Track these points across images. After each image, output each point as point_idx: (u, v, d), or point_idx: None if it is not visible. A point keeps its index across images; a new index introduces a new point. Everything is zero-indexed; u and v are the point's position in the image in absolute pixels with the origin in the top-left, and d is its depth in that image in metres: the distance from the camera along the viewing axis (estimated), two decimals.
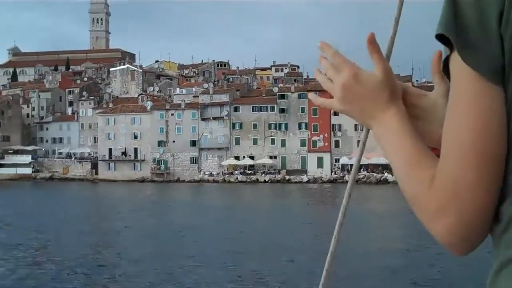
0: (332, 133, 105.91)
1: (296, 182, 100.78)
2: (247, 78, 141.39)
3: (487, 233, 0.75)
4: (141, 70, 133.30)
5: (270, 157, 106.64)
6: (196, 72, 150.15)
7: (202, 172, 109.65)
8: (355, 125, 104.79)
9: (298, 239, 37.04)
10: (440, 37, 0.74)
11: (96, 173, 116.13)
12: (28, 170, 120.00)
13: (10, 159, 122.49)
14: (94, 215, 56.95)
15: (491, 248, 0.75)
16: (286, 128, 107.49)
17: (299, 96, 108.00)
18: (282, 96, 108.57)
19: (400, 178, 0.86)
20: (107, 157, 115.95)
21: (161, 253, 31.60)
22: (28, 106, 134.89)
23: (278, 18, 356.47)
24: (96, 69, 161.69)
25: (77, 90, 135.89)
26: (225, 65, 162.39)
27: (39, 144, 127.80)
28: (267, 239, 36.41)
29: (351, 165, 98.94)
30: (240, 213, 55.17)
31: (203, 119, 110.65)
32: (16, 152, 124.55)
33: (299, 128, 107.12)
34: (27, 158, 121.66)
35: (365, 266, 26.72)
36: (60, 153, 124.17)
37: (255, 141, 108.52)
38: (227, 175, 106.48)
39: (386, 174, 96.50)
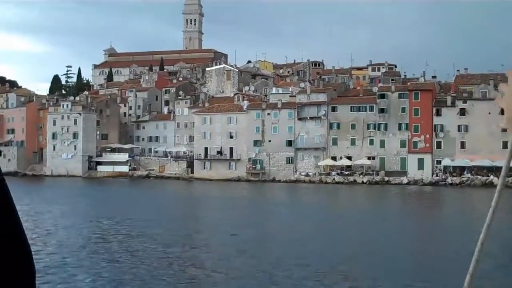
0: (433, 133, 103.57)
1: (395, 184, 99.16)
2: (343, 78, 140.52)
3: None
4: (237, 70, 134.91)
5: (368, 158, 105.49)
6: (291, 71, 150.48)
7: (298, 172, 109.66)
8: (458, 126, 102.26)
9: (402, 243, 36.29)
10: None
11: (192, 172, 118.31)
12: (125, 168, 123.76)
13: (108, 157, 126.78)
14: (193, 213, 58.03)
15: None
16: (386, 128, 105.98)
17: (400, 96, 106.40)
18: (382, 96, 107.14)
19: None
20: (202, 156, 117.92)
21: (256, 254, 31.56)
22: (125, 105, 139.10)
23: (371, 18, 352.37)
24: (190, 69, 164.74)
25: (173, 90, 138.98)
26: (319, 65, 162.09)
27: (135, 143, 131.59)
28: (370, 243, 35.71)
29: (454, 167, 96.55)
30: (340, 214, 54.74)
31: (299, 119, 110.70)
32: (114, 150, 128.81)
33: (399, 128, 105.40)
34: (124, 156, 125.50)
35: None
36: (156, 152, 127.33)
37: (353, 142, 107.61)
38: (323, 176, 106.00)
39: (491, 176, 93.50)
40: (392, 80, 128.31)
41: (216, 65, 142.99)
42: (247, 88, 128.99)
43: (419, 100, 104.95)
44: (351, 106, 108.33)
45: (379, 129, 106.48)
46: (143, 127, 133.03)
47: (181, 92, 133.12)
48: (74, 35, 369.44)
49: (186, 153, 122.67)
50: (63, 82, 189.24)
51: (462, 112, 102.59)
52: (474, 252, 1.11)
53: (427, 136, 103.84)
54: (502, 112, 1.65)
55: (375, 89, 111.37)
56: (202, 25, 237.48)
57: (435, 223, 49.79)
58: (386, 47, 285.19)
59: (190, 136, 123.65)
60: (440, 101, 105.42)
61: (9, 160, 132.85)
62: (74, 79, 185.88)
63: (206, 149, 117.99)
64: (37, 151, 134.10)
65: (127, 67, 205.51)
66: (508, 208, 41.66)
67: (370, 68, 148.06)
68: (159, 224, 44.57)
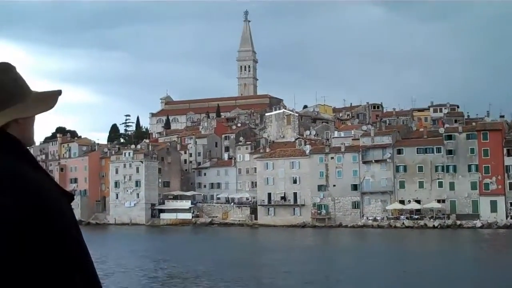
0: (505, 174, 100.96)
1: (468, 228, 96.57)
2: (404, 120, 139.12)
3: None
4: (297, 114, 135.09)
5: (438, 201, 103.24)
6: (350, 115, 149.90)
7: (364, 217, 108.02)
8: None
9: None
10: None
11: (256, 218, 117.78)
12: (188, 215, 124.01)
13: (170, 204, 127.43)
14: (258, 260, 57.20)
15: None
16: (455, 170, 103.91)
17: (468, 137, 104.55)
18: (449, 137, 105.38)
19: None
20: (266, 202, 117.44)
21: None
22: (185, 152, 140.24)
23: (422, 60, 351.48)
24: (248, 115, 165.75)
25: (232, 136, 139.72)
26: (378, 107, 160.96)
27: (197, 190, 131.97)
28: None
29: None
30: (414, 261, 53.05)
31: (364, 162, 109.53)
32: (176, 197, 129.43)
33: (469, 170, 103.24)
34: (187, 204, 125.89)
35: None
36: (218, 198, 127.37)
37: (421, 184, 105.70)
38: (392, 220, 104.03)
39: None
40: (456, 121, 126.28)
41: (274, 110, 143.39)
42: (308, 132, 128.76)
43: (488, 141, 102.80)
44: (417, 148, 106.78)
45: (447, 171, 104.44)
46: (204, 174, 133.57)
47: (241, 138, 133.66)
48: (128, 85, 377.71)
49: (248, 199, 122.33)
50: (122, 131, 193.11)
51: None
52: None
53: (499, 177, 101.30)
54: None
55: (441, 130, 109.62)
56: (257, 71, 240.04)
57: None
58: (445, 87, 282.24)
59: (252, 182, 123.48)
60: (510, 141, 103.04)
61: (72, 209, 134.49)
62: (133, 128, 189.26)
63: (269, 194, 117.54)
64: (100, 199, 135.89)
65: (184, 115, 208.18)
66: None
67: (431, 109, 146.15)
68: (225, 272, 44.06)
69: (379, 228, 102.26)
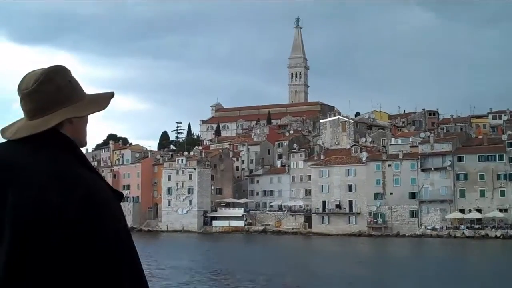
0: None
1: None
2: (462, 127, 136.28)
3: None
4: (352, 121, 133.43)
5: (500, 210, 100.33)
6: (406, 122, 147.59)
7: (423, 226, 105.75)
8: None
9: None
10: None
11: (310, 227, 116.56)
12: (240, 223, 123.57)
13: (222, 211, 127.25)
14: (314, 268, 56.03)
15: None
16: None
17: None
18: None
19: None
20: (320, 210, 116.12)
21: None
22: (237, 160, 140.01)
23: (476, 65, 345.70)
24: (301, 122, 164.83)
25: (286, 143, 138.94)
26: (434, 114, 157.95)
27: (249, 197, 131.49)
28: None
29: None
30: (480, 275, 51.10)
31: (423, 170, 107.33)
32: (228, 205, 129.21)
33: None
34: (239, 211, 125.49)
35: None
36: (271, 206, 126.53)
37: (482, 193, 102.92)
38: (452, 230, 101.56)
39: None
40: None
41: (328, 116, 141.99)
42: (363, 139, 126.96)
43: None
44: (478, 156, 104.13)
45: (510, 180, 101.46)
46: (257, 181, 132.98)
47: (295, 145, 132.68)
48: (177, 93, 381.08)
49: (302, 207, 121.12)
50: (172, 138, 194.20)
51: None
52: None
53: None
54: None
55: (504, 137, 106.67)
56: (308, 78, 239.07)
57: None
58: (504, 93, 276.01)
59: (306, 190, 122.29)
60: None
61: (125, 216, 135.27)
62: (184, 135, 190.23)
63: (324, 203, 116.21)
64: (152, 206, 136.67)
65: (234, 122, 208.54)
66: None
67: (490, 116, 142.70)
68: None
69: (438, 237, 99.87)
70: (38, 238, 1.69)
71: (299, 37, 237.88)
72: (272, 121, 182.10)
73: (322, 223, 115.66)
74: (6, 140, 1.96)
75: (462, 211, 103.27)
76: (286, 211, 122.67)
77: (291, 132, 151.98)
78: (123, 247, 1.82)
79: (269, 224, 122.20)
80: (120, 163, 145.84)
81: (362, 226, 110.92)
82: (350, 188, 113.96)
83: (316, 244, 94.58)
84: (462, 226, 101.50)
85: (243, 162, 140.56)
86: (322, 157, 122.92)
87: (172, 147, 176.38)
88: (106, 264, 1.75)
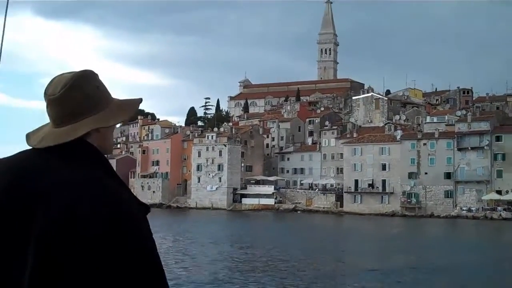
0: None
1: None
2: (498, 105, 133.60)
3: None
4: (386, 98, 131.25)
5: None
6: (440, 100, 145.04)
7: (458, 207, 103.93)
8: None
9: None
10: None
11: (341, 206, 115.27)
12: (271, 201, 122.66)
13: (252, 189, 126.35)
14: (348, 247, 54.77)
15: None
16: None
17: None
18: None
19: None
20: (352, 189, 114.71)
21: None
22: (267, 137, 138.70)
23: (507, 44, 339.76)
24: (332, 99, 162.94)
25: (317, 120, 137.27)
26: (468, 92, 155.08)
27: (279, 175, 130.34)
28: None
29: None
30: None
31: (459, 149, 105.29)
32: (258, 182, 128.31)
33: None
34: (269, 189, 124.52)
35: None
36: (302, 184, 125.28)
37: None
38: (488, 211, 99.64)
39: None
40: None
41: (362, 93, 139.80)
42: (397, 117, 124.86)
43: None
44: None
45: None
46: (288, 159, 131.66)
47: (326, 122, 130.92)
48: (203, 69, 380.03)
49: (333, 185, 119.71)
50: (200, 114, 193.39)
51: None
52: None
53: None
54: None
55: None
56: (337, 55, 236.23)
57: None
58: None
59: (338, 168, 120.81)
60: None
61: (153, 192, 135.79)
62: (212, 111, 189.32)
63: (356, 181, 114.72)
64: (181, 183, 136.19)
65: (262, 99, 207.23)
66: None
67: None
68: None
69: (474, 219, 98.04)
70: (63, 253, 1.65)
71: (329, 12, 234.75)
72: (301, 98, 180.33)
73: (354, 202, 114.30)
74: (30, 147, 1.90)
75: (499, 192, 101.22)
76: (317, 190, 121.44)
77: (322, 109, 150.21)
78: (149, 266, 1.74)
79: (300, 203, 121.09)
80: (149, 138, 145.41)
81: (395, 206, 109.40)
82: (383, 167, 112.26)
83: (348, 223, 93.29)
84: (499, 208, 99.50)
85: (273, 139, 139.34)
86: (354, 134, 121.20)
87: (199, 123, 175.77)
88: (130, 281, 1.69)
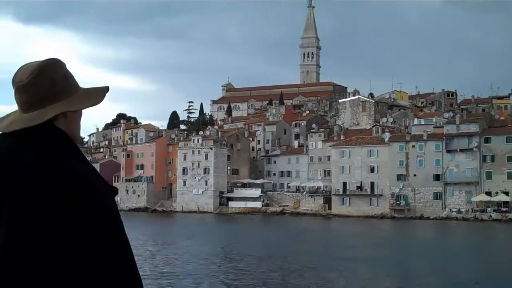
0: None
1: None
2: (483, 108, 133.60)
3: None
4: (373, 101, 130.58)
5: None
6: (425, 102, 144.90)
7: (447, 209, 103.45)
8: None
9: None
10: None
11: (329, 208, 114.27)
12: (258, 204, 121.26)
13: (239, 192, 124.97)
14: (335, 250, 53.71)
15: None
16: None
17: None
18: None
19: None
20: (341, 192, 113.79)
21: None
22: (253, 140, 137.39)
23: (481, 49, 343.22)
24: (317, 102, 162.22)
25: (303, 123, 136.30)
26: (452, 95, 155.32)
27: (266, 178, 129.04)
28: None
29: None
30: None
31: (448, 151, 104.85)
32: (245, 185, 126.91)
33: None
34: (256, 192, 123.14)
35: None
36: (289, 187, 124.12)
37: (509, 175, 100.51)
38: (478, 213, 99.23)
39: None
40: None
41: (347, 96, 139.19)
42: (384, 119, 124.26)
43: None
44: (506, 137, 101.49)
45: None
46: (274, 162, 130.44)
47: (313, 125, 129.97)
48: (185, 73, 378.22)
49: (321, 188, 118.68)
50: (183, 118, 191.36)
51: None
52: None
53: None
54: None
55: None
56: (320, 59, 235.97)
57: None
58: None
59: (325, 171, 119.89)
60: None
61: (138, 196, 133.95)
62: (195, 115, 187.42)
63: (344, 184, 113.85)
64: (166, 186, 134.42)
65: (245, 102, 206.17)
66: None
67: None
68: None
69: (464, 220, 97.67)
70: (30, 224, 1.73)
71: (311, 17, 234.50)
72: (284, 101, 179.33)
73: (343, 204, 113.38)
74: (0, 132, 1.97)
75: (488, 193, 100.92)
76: (304, 192, 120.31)
77: (307, 112, 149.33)
78: (112, 240, 1.81)
79: (287, 206, 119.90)
80: (134, 142, 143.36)
81: (384, 208, 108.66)
82: (372, 169, 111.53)
83: (337, 226, 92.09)
84: (488, 209, 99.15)
85: (258, 142, 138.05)
86: (342, 137, 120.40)
87: (182, 127, 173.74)
88: (90, 257, 1.76)
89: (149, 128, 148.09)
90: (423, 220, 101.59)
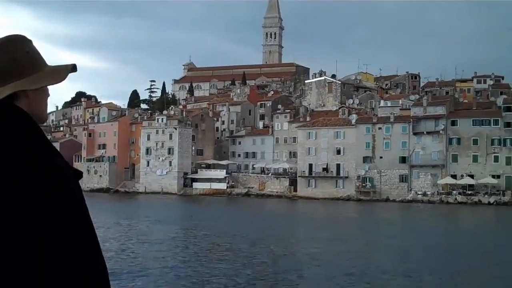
0: None
1: None
2: (447, 91, 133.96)
3: None
4: (339, 82, 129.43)
5: (493, 176, 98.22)
6: (389, 84, 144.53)
7: (413, 191, 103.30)
8: None
9: None
10: None
11: (295, 190, 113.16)
12: (222, 185, 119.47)
13: (204, 173, 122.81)
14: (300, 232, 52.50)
15: None
16: None
17: None
18: (508, 109, 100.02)
19: None
20: (306, 173, 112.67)
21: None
22: (217, 120, 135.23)
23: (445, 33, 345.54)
24: (281, 82, 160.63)
25: (268, 104, 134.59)
26: (416, 77, 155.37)
27: (231, 159, 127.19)
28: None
29: None
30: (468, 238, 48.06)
31: (415, 134, 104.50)
32: (209, 166, 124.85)
33: None
34: (221, 173, 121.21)
35: None
36: (254, 168, 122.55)
37: (475, 158, 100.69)
38: (443, 196, 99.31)
39: None
40: (501, 93, 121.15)
41: (312, 78, 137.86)
42: (350, 101, 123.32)
43: None
44: (473, 120, 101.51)
45: (504, 145, 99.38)
46: (239, 143, 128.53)
47: (279, 106, 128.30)
48: (145, 52, 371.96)
49: (286, 170, 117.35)
50: (144, 97, 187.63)
51: None
52: None
53: None
54: None
55: (498, 101, 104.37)
56: (282, 39, 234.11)
57: None
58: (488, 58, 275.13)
59: (290, 152, 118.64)
60: None
61: (100, 176, 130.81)
62: (157, 94, 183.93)
63: (310, 165, 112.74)
64: (129, 167, 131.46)
65: (207, 82, 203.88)
66: None
67: (475, 80, 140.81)
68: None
69: (429, 203, 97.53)
70: None
71: None
72: (247, 81, 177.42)
73: (309, 186, 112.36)
74: None
75: (454, 176, 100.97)
76: (270, 174, 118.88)
77: (272, 93, 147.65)
78: (79, 227, 1.74)
79: (252, 187, 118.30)
80: (96, 121, 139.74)
81: (350, 190, 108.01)
82: (338, 151, 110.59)
83: (302, 207, 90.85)
84: (454, 192, 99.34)
85: (223, 122, 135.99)
86: (308, 118, 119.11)
87: (143, 106, 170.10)
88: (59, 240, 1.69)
89: (111, 107, 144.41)
90: (389, 202, 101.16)
